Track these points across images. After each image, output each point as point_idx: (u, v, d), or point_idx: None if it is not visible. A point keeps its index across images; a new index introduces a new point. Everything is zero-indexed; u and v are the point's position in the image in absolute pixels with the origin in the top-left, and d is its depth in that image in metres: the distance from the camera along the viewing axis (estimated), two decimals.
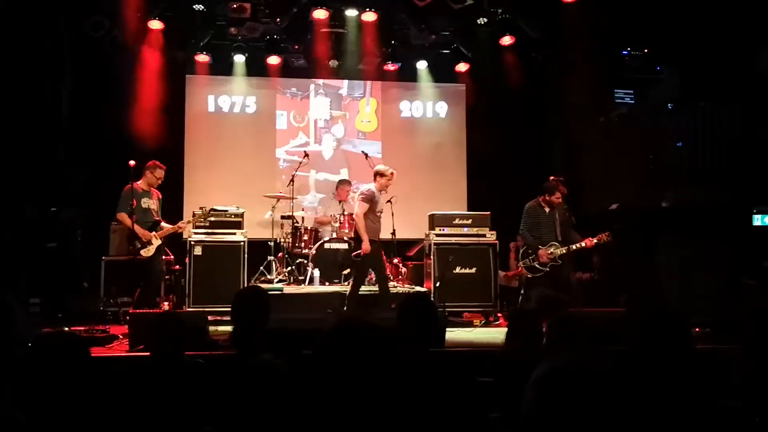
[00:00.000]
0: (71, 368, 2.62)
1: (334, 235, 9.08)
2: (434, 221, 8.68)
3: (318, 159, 10.98)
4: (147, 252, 7.42)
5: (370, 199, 7.60)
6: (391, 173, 7.75)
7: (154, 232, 7.51)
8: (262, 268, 9.21)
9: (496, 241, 8.66)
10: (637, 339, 2.80)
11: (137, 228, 7.35)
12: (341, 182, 9.96)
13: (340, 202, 9.53)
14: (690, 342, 2.86)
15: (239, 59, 10.33)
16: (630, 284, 8.00)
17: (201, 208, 8.11)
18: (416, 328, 3.31)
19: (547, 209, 7.65)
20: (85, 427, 2.55)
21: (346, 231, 9.04)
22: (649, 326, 2.81)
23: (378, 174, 7.76)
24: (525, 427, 2.00)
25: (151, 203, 7.68)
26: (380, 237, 7.75)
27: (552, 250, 7.51)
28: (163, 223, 7.75)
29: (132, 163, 7.39)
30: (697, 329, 6.84)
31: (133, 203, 7.34)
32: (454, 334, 7.04)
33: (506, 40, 9.78)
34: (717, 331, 6.73)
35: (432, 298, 7.95)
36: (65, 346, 2.70)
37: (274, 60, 10.37)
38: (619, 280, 8.58)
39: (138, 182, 7.57)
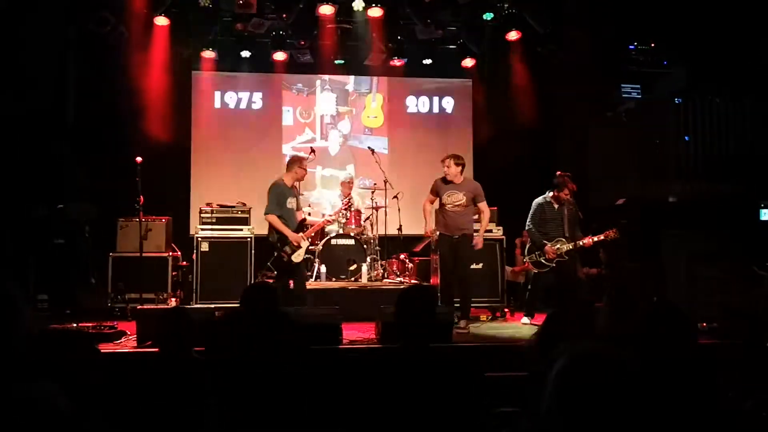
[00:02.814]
0: (78, 364, 2.63)
1: (341, 231, 9.07)
2: None
3: (324, 155, 10.98)
4: (298, 257, 7.18)
5: (433, 190, 7.58)
6: (446, 159, 7.47)
7: (301, 233, 7.25)
8: (269, 263, 9.21)
9: (503, 237, 8.65)
10: (640, 336, 2.79)
11: (289, 233, 7.11)
12: (343, 182, 9.85)
13: (347, 197, 9.51)
14: (695, 339, 2.85)
15: (245, 55, 10.33)
16: (620, 280, 8.00)
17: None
18: (415, 321, 3.25)
19: (556, 205, 7.63)
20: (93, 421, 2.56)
21: (353, 227, 9.02)
22: (653, 324, 2.80)
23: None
24: (546, 421, 1.99)
25: (294, 202, 7.36)
26: (447, 232, 7.46)
27: (559, 246, 7.50)
28: (307, 220, 7.56)
29: (139, 159, 7.40)
30: (703, 324, 6.85)
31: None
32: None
33: (512, 35, 9.76)
34: (723, 325, 6.74)
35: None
36: (73, 343, 2.72)
37: (280, 56, 10.35)
38: (625, 274, 8.56)
39: (283, 178, 7.30)
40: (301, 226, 7.33)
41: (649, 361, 2.70)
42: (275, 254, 7.20)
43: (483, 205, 7.57)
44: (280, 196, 7.15)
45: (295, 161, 7.39)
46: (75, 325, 6.44)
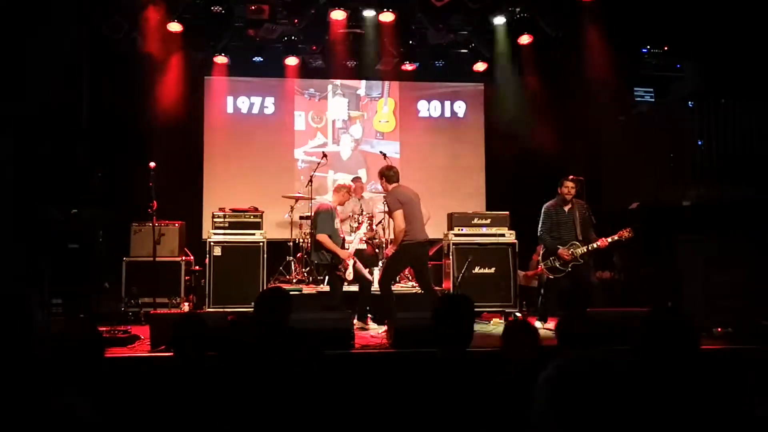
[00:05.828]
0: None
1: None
2: (453, 221, 8.65)
3: (336, 159, 11.01)
4: (349, 275, 7.50)
5: None
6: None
7: (348, 253, 7.60)
8: (281, 268, 9.24)
9: (515, 241, 8.62)
10: (641, 341, 2.78)
11: (341, 252, 7.48)
12: (355, 179, 9.92)
13: (359, 199, 9.53)
14: (696, 347, 2.82)
15: (257, 60, 10.36)
16: (655, 287, 7.95)
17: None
18: (452, 329, 3.32)
19: (566, 208, 7.60)
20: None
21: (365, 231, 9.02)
22: (653, 329, 2.79)
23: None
24: (539, 423, 1.99)
25: (339, 223, 7.82)
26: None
27: (573, 249, 7.45)
28: (346, 238, 8.02)
29: (152, 164, 7.44)
30: (719, 329, 6.80)
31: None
32: None
33: (524, 39, 9.74)
34: (739, 330, 6.68)
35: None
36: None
37: (292, 61, 10.40)
38: (639, 279, 8.51)
39: (331, 202, 7.74)
40: (343, 245, 7.68)
41: (648, 365, 2.69)
42: (325, 273, 7.87)
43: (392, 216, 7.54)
44: (331, 219, 7.54)
45: (345, 187, 7.86)
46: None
